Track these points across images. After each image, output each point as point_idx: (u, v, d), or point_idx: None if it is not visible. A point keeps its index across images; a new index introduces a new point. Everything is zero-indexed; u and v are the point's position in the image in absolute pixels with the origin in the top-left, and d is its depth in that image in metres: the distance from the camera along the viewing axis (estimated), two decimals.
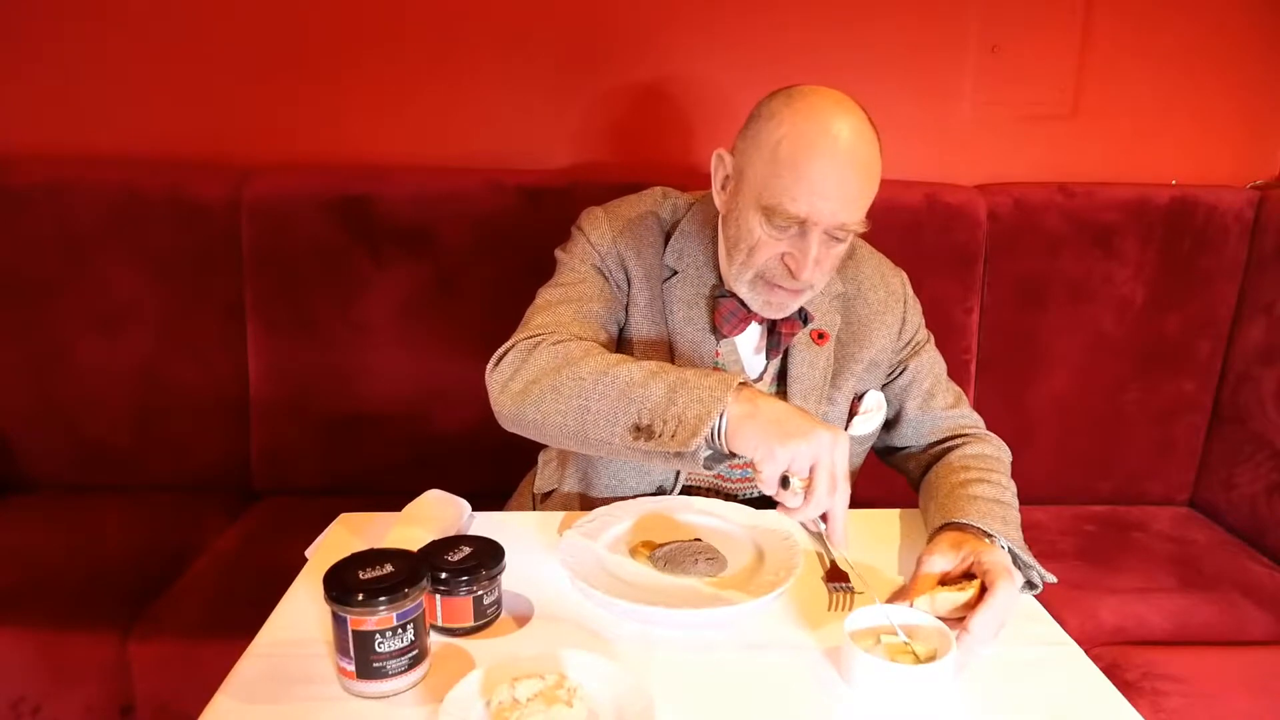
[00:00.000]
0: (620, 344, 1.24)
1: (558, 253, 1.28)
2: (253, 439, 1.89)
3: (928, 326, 1.86)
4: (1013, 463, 1.46)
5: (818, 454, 0.92)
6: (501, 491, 1.54)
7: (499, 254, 1.81)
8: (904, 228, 1.84)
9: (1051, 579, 1.07)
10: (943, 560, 1.00)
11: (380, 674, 0.85)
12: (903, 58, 1.95)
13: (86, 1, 1.86)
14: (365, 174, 1.85)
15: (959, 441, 1.29)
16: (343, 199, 1.82)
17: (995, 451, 1.27)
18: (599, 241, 1.24)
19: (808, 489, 0.94)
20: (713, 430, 0.96)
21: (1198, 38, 1.95)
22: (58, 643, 1.45)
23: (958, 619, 0.93)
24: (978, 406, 1.91)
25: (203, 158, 1.91)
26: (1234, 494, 1.89)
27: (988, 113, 1.99)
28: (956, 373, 1.88)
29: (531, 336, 1.12)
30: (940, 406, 1.33)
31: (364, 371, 1.86)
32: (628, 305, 1.23)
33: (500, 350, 1.13)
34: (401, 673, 0.86)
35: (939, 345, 1.86)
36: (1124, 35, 1.95)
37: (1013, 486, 1.19)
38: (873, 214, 1.94)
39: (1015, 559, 1.04)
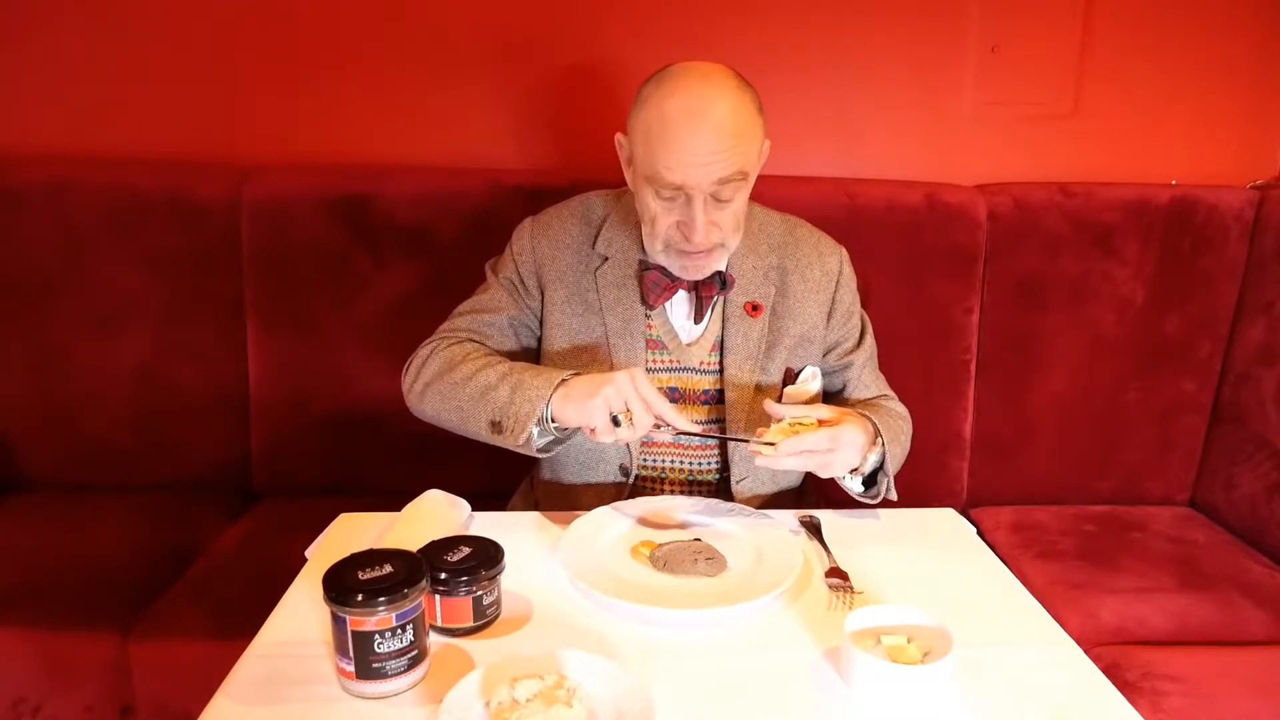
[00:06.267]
0: (546, 337, 1.36)
1: (486, 266, 1.43)
2: (253, 439, 1.89)
3: (926, 326, 1.88)
4: (1013, 463, 1.91)
5: (622, 390, 1.10)
6: (501, 491, 1.54)
7: (498, 253, 1.81)
8: (904, 228, 1.84)
9: (893, 497, 1.25)
10: (827, 411, 1.19)
11: (380, 674, 0.85)
12: (903, 58, 1.95)
13: (86, 1, 1.86)
14: (365, 174, 1.85)
15: (883, 399, 1.43)
16: (343, 199, 1.82)
17: (907, 415, 1.41)
18: (519, 251, 1.37)
19: (630, 419, 1.12)
20: (547, 419, 1.15)
21: (1198, 38, 1.95)
22: (58, 643, 1.45)
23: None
24: (978, 406, 1.93)
25: (203, 158, 1.91)
26: (1234, 494, 1.88)
27: (988, 113, 1.99)
28: (956, 372, 1.90)
29: (429, 343, 1.33)
30: (871, 393, 1.44)
31: (364, 371, 1.86)
32: (544, 305, 1.36)
33: (409, 358, 1.33)
34: (401, 673, 0.86)
35: (939, 345, 1.88)
36: (1124, 35, 1.95)
37: (905, 442, 1.36)
38: (873, 213, 1.95)
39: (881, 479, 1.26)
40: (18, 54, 1.89)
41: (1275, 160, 2.02)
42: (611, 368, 1.32)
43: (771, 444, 1.14)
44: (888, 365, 1.47)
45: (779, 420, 1.18)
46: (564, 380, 1.15)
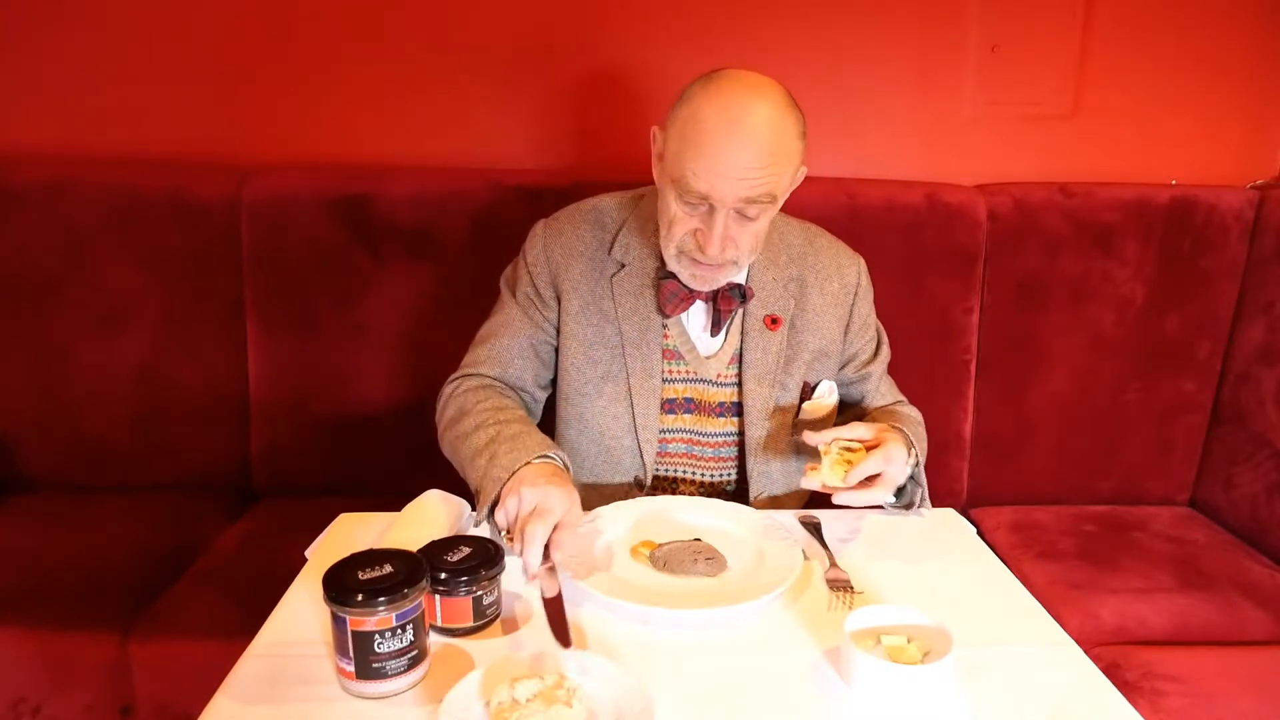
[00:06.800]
0: (562, 347, 1.34)
1: (501, 280, 1.40)
2: (253, 439, 1.89)
3: (926, 326, 1.88)
4: (1013, 463, 1.96)
5: (509, 513, 1.05)
6: None
7: (499, 254, 1.80)
8: (904, 228, 1.84)
9: (928, 509, 1.26)
10: (862, 430, 1.17)
11: (380, 674, 0.85)
12: (903, 58, 1.95)
13: (86, 2, 1.86)
14: (365, 174, 1.85)
15: (898, 404, 1.43)
16: (343, 199, 1.82)
17: (921, 419, 1.40)
18: (534, 261, 1.34)
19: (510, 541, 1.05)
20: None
21: (1198, 38, 1.95)
22: (58, 643, 1.45)
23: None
24: (978, 406, 1.93)
25: (203, 158, 1.91)
26: (1234, 494, 1.88)
27: (988, 113, 1.99)
28: (956, 372, 1.90)
29: (453, 380, 1.32)
30: (887, 401, 1.44)
31: (364, 371, 1.86)
32: (560, 314, 1.33)
33: (440, 391, 1.33)
34: (401, 673, 0.86)
35: (939, 345, 1.88)
36: (1124, 35, 1.95)
37: (925, 447, 1.33)
38: (873, 213, 1.95)
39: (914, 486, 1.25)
40: (18, 54, 1.89)
41: (1275, 160, 2.03)
42: (627, 377, 1.31)
43: (818, 469, 1.14)
44: (889, 365, 1.47)
45: (819, 447, 1.15)
46: (527, 464, 1.11)
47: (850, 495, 1.13)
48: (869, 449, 1.15)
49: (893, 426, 1.21)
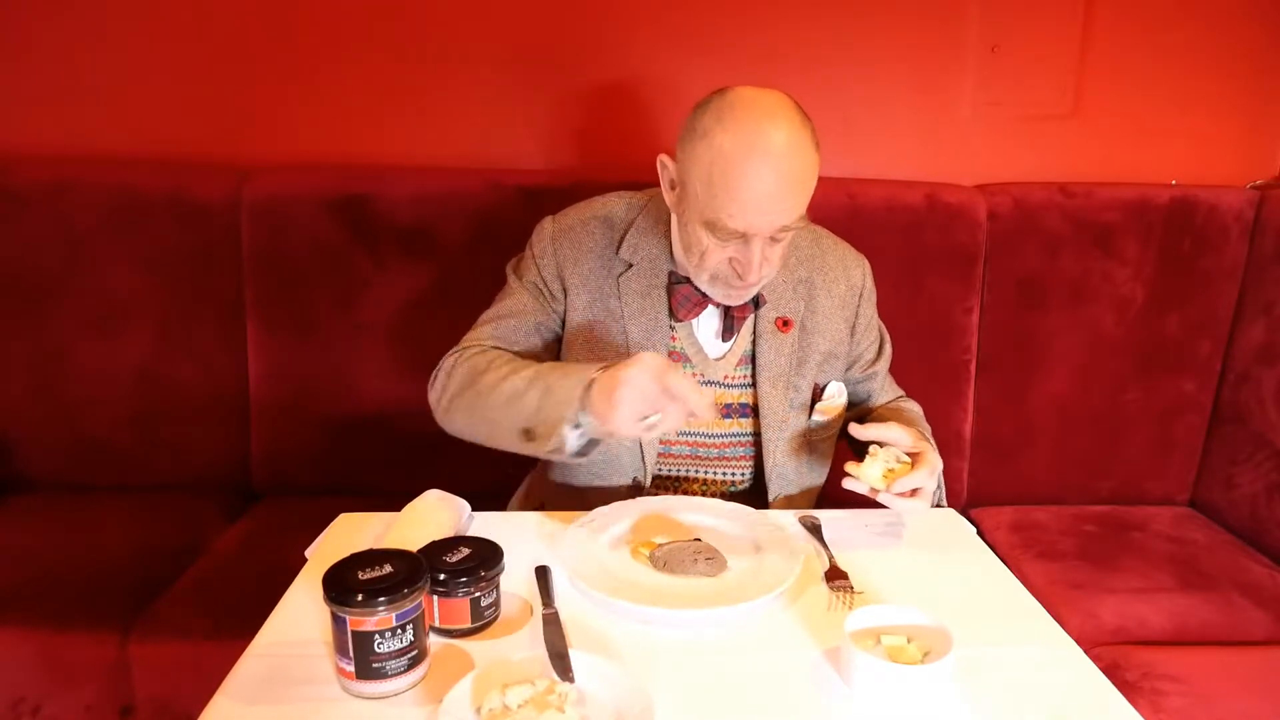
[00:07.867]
0: (566, 343, 1.33)
1: (507, 268, 1.39)
2: (253, 439, 1.89)
3: (926, 326, 1.88)
4: (1013, 463, 1.96)
5: (648, 396, 1.01)
6: (501, 491, 1.53)
7: (499, 254, 1.80)
8: (904, 228, 1.84)
9: (942, 506, 1.27)
10: (903, 434, 1.17)
11: (379, 674, 0.85)
12: (903, 58, 1.95)
13: (86, 2, 1.86)
14: (365, 174, 1.85)
15: (900, 400, 1.47)
16: (343, 199, 1.82)
17: (922, 413, 1.43)
18: (540, 253, 1.33)
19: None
20: (581, 421, 1.08)
21: (1198, 38, 1.95)
22: (58, 643, 1.45)
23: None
24: (977, 406, 1.93)
25: (203, 158, 1.91)
26: (1234, 494, 1.88)
27: (988, 113, 1.99)
28: (956, 372, 1.90)
29: (452, 354, 1.28)
30: (889, 397, 1.47)
31: (364, 371, 1.86)
32: (566, 310, 1.32)
33: (435, 371, 1.29)
34: (401, 673, 0.86)
35: (939, 345, 1.89)
36: (1124, 35, 1.95)
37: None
38: (873, 213, 1.95)
39: None
40: (18, 54, 1.89)
41: (1275, 160, 2.03)
42: None
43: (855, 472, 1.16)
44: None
45: (866, 443, 1.18)
46: (593, 380, 1.08)
47: (890, 499, 1.14)
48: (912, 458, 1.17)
49: (919, 433, 1.22)
